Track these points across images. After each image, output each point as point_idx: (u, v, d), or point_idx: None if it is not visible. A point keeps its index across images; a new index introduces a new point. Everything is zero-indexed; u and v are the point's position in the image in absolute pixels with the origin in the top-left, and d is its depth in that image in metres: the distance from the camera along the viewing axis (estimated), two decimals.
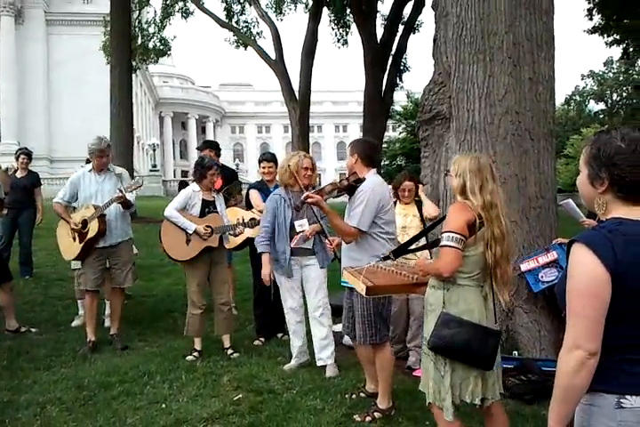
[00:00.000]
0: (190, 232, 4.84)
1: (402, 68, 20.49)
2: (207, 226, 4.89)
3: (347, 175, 3.85)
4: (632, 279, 1.60)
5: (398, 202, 4.88)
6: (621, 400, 1.63)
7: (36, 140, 40.84)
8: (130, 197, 5.18)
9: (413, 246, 3.54)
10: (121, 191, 5.04)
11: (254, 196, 5.52)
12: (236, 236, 5.17)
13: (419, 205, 4.88)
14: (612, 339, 1.64)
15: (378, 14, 19.71)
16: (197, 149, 6.39)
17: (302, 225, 4.62)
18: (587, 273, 1.62)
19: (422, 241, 3.84)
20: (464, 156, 3.01)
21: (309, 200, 3.65)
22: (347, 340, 4.69)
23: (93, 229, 5.10)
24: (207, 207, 5.03)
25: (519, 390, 3.95)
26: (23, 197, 7.72)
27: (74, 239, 5.20)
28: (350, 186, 3.70)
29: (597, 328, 1.62)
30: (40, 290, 7.34)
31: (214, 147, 6.25)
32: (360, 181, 3.68)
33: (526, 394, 3.92)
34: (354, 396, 4.00)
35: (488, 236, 2.78)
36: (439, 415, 2.85)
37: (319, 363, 4.57)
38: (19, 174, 7.88)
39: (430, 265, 2.91)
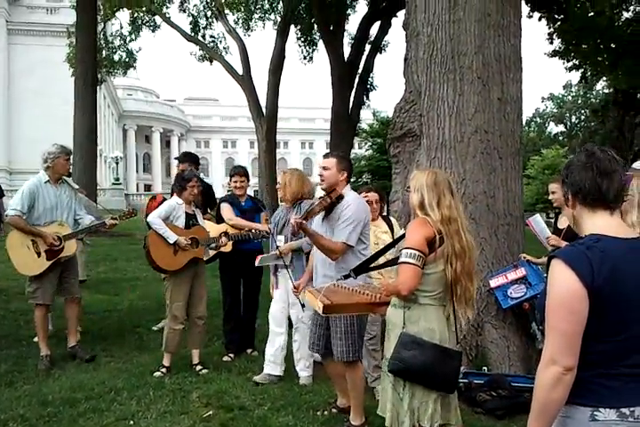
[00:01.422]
0: (171, 242, 4.79)
1: (368, 86, 20.78)
2: (192, 237, 4.89)
3: (320, 186, 3.83)
4: (608, 295, 1.64)
5: None
6: (595, 413, 1.67)
7: None
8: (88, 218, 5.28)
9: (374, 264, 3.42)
10: (115, 219, 5.17)
11: (226, 209, 5.48)
12: (217, 248, 5.15)
13: (387, 221, 4.77)
14: (589, 354, 1.67)
15: (345, 33, 20.01)
16: (176, 159, 6.29)
17: (280, 240, 4.67)
18: (564, 289, 1.65)
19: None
20: (422, 171, 3.01)
21: (297, 227, 3.48)
22: (317, 356, 4.68)
23: (70, 248, 5.05)
24: (190, 220, 5.00)
25: (490, 406, 3.99)
26: None
27: (38, 254, 4.93)
28: (332, 204, 3.64)
29: (574, 344, 1.65)
30: (0, 304, 7.12)
31: (194, 160, 6.17)
32: (341, 197, 3.63)
33: (497, 409, 3.96)
34: (325, 412, 3.97)
35: (448, 251, 2.72)
36: None
37: (299, 372, 4.68)
38: None
39: (391, 284, 2.85)
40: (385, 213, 5.01)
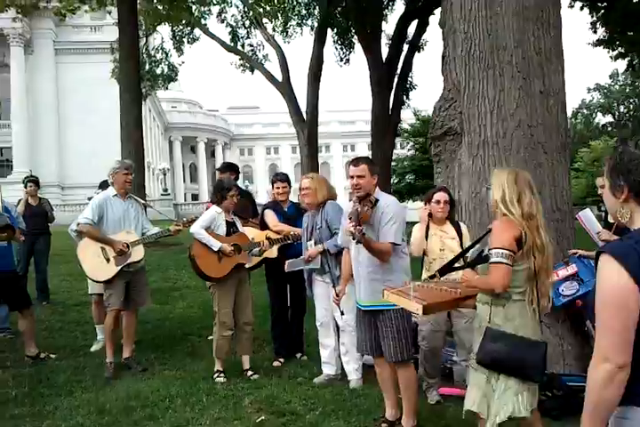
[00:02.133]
0: (215, 249, 4.88)
1: (408, 86, 20.64)
2: (234, 244, 4.97)
3: (356, 194, 3.76)
4: None
5: (431, 222, 4.44)
6: None
7: (47, 167, 41.34)
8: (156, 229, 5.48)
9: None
10: (179, 225, 5.35)
11: (270, 215, 5.53)
12: (260, 254, 5.20)
13: (456, 226, 4.46)
14: None
15: (382, 34, 19.93)
16: (218, 170, 6.49)
17: (311, 246, 4.79)
18: (613, 284, 1.60)
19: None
20: (502, 169, 3.14)
21: (360, 234, 3.37)
22: (367, 358, 4.66)
23: (137, 254, 5.26)
24: (231, 227, 5.09)
25: (545, 406, 3.88)
26: (38, 225, 7.76)
27: (107, 260, 5.19)
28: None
29: (626, 341, 1.59)
30: (57, 316, 7.35)
31: (235, 169, 6.34)
32: (377, 200, 3.64)
33: (552, 410, 3.86)
34: None
35: (530, 246, 2.85)
36: None
37: (348, 376, 4.73)
38: (32, 202, 7.93)
39: (479, 280, 2.92)
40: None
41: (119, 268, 5.19)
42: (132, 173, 5.50)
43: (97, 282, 5.50)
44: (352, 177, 3.72)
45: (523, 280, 2.85)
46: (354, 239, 3.38)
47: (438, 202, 4.36)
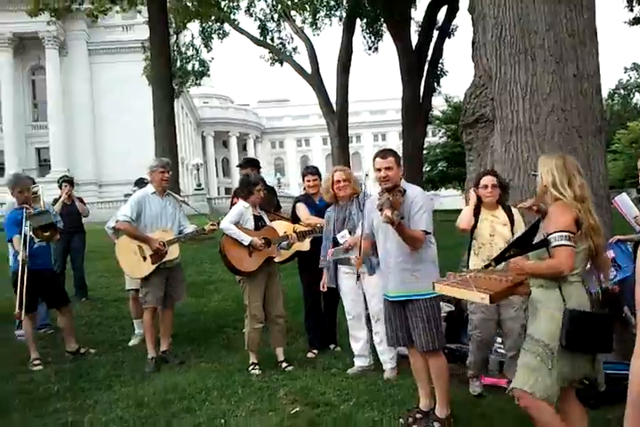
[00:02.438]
0: (246, 244, 4.91)
1: (439, 72, 20.43)
2: (264, 237, 4.99)
3: (384, 186, 3.73)
4: None
5: (482, 206, 4.30)
6: None
7: (84, 166, 42.18)
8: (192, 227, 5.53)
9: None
10: (214, 225, 5.33)
11: (302, 209, 5.54)
12: (289, 248, 5.23)
13: (508, 211, 4.28)
14: None
15: (411, 21, 19.69)
16: (238, 166, 6.56)
17: (344, 236, 4.76)
18: None
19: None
20: (548, 155, 3.19)
21: (393, 220, 3.37)
22: (400, 349, 4.63)
23: (173, 252, 5.33)
24: (259, 222, 5.12)
25: (583, 394, 3.80)
26: (74, 223, 7.90)
27: (144, 258, 5.27)
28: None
29: None
30: (96, 311, 7.51)
31: (255, 164, 6.38)
32: (404, 190, 3.62)
33: (590, 398, 3.77)
34: (409, 419, 3.74)
35: (586, 227, 2.90)
36: (543, 410, 2.83)
37: (383, 366, 4.74)
38: (67, 201, 8.07)
39: (542, 265, 2.91)
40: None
41: (155, 266, 5.27)
42: (169, 170, 5.55)
43: (136, 279, 5.59)
44: (379, 169, 3.68)
45: (580, 261, 2.90)
46: (392, 224, 3.36)
47: (486, 186, 4.22)
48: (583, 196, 2.93)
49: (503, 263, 3.13)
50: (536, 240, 2.99)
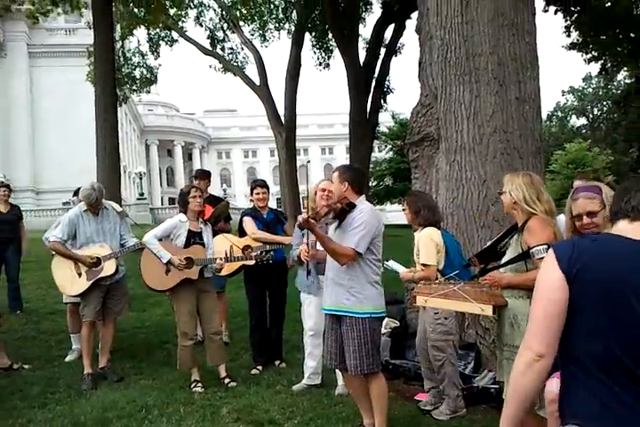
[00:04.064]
0: (164, 262, 4.77)
1: (385, 89, 20.75)
2: (187, 257, 4.80)
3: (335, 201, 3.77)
4: (585, 285, 1.59)
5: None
6: None
7: (22, 171, 40.66)
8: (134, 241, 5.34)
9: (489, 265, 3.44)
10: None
11: (248, 223, 5.48)
12: (218, 271, 5.02)
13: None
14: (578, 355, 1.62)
15: (359, 38, 19.99)
16: (194, 177, 6.62)
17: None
18: (544, 275, 1.68)
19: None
20: (514, 173, 3.33)
21: (304, 225, 3.55)
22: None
23: (109, 269, 5.16)
24: (193, 238, 4.93)
25: None
26: (9, 232, 7.61)
27: (79, 275, 5.16)
28: (343, 210, 3.61)
29: (548, 332, 1.63)
30: (31, 325, 7.20)
31: (208, 175, 6.57)
32: (352, 205, 3.61)
33: None
34: None
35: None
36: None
37: (338, 381, 4.63)
38: (2, 209, 7.75)
39: (524, 277, 2.99)
40: None
41: (89, 282, 5.13)
42: (96, 200, 5.24)
43: (71, 296, 5.46)
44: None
45: None
46: (300, 227, 3.47)
47: (404, 210, 4.37)
48: (552, 210, 3.11)
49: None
50: (512, 254, 3.12)
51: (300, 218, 3.56)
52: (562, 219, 4.65)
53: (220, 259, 4.87)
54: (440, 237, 4.19)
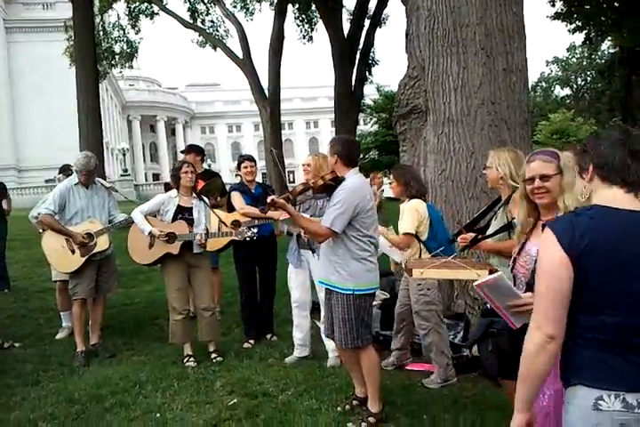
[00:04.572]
0: (146, 233, 4.81)
1: (370, 62, 20.56)
2: (169, 232, 4.80)
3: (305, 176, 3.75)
4: (589, 262, 1.62)
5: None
6: (599, 402, 1.62)
7: (2, 149, 40.11)
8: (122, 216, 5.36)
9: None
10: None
11: (237, 198, 5.45)
12: (203, 247, 4.95)
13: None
14: (583, 328, 1.66)
15: (343, 9, 19.71)
16: (182, 152, 6.50)
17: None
18: (546, 255, 1.68)
19: None
20: (499, 149, 3.39)
21: (275, 204, 3.46)
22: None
23: (102, 244, 5.14)
24: (182, 214, 4.92)
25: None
26: None
27: (72, 252, 5.10)
28: (327, 185, 3.55)
29: (557, 311, 1.65)
30: (20, 303, 7.19)
31: (199, 151, 6.34)
32: (337, 179, 3.54)
33: None
34: (347, 407, 3.81)
35: None
36: None
37: (329, 353, 4.71)
38: None
39: (503, 244, 3.11)
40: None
41: (84, 259, 5.10)
42: (95, 172, 5.29)
43: (65, 273, 5.35)
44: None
45: None
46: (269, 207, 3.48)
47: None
48: None
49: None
50: (497, 225, 3.21)
51: (268, 199, 3.49)
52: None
53: (200, 235, 4.86)
54: (425, 208, 4.27)
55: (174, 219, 4.90)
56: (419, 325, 4.34)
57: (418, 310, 4.30)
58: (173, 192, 4.98)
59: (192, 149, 6.43)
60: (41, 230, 6.05)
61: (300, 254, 4.79)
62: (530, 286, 2.14)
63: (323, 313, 4.25)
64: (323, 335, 4.68)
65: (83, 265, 5.12)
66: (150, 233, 4.80)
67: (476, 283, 2.12)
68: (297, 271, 4.84)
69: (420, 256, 4.19)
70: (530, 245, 2.46)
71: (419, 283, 4.24)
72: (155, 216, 5.00)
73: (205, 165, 6.92)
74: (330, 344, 4.70)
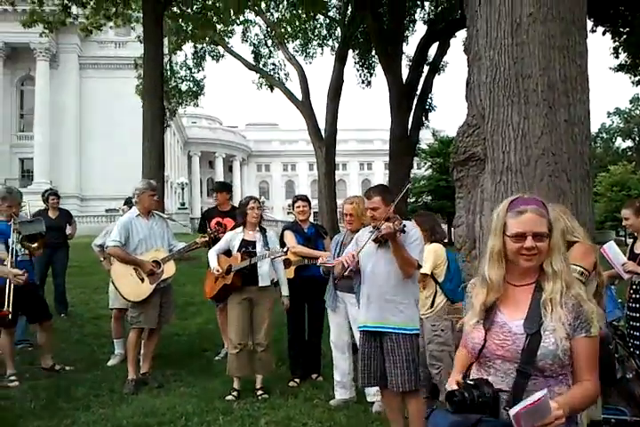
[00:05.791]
0: (212, 270, 5.05)
1: (427, 107, 20.71)
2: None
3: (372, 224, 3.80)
4: None
5: None
6: None
7: (68, 179, 41.88)
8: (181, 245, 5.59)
9: None
10: (205, 237, 5.60)
11: (289, 237, 5.55)
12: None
13: None
14: None
15: (403, 55, 20.07)
16: (212, 190, 6.81)
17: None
18: None
19: None
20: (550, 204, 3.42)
21: (386, 232, 3.50)
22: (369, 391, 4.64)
23: (169, 270, 5.33)
24: (245, 247, 5.11)
25: None
26: (57, 237, 7.83)
27: (142, 280, 5.24)
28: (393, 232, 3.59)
29: None
30: (75, 328, 7.41)
31: (229, 190, 6.84)
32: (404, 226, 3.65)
33: None
34: None
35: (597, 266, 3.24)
36: None
37: (368, 398, 4.67)
38: (51, 215, 8.02)
39: None
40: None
41: (154, 286, 5.24)
42: (157, 193, 5.59)
43: (135, 302, 5.35)
44: (367, 209, 3.83)
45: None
46: (393, 236, 3.46)
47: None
48: (588, 235, 3.27)
49: None
50: None
51: (392, 226, 3.49)
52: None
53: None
54: (444, 252, 4.60)
55: (239, 252, 5.09)
56: (431, 365, 4.47)
57: (431, 349, 4.47)
58: (239, 229, 5.17)
59: (224, 187, 6.74)
60: (102, 259, 6.28)
61: (337, 296, 4.83)
62: None
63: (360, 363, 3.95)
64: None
65: (150, 294, 5.24)
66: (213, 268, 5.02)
67: (513, 412, 1.67)
68: (334, 313, 4.89)
69: (435, 297, 4.45)
70: (503, 317, 2.01)
71: (433, 324, 4.44)
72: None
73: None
74: (369, 391, 4.65)
